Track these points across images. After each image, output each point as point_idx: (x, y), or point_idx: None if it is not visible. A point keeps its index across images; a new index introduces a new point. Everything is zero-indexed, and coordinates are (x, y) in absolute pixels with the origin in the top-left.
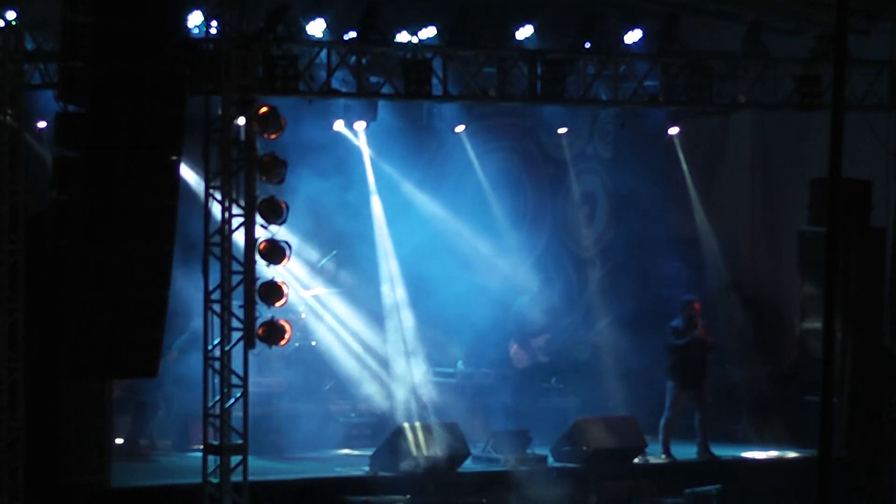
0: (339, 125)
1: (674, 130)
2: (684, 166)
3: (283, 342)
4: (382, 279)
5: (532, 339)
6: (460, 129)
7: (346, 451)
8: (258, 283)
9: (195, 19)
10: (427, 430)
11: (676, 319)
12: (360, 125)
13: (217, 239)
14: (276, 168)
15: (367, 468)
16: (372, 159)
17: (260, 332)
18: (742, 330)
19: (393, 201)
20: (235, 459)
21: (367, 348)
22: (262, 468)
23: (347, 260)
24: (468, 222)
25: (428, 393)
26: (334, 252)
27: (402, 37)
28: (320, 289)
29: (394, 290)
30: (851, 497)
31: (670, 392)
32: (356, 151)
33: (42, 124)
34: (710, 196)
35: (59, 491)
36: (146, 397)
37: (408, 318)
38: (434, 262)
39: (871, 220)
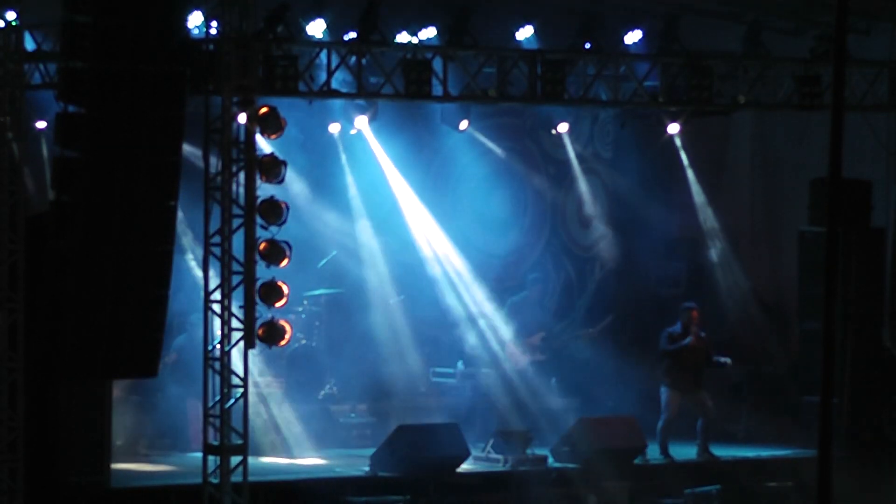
0: (334, 127)
1: (674, 128)
2: (685, 161)
3: (283, 342)
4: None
5: (526, 338)
6: (465, 125)
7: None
8: (258, 283)
9: (195, 19)
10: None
11: (675, 325)
12: (361, 120)
13: (217, 239)
14: (275, 168)
15: (367, 468)
16: (372, 157)
17: (260, 332)
18: (742, 330)
19: (391, 199)
20: (235, 459)
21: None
22: (262, 468)
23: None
24: (468, 222)
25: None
26: (334, 252)
27: (402, 37)
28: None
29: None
30: (851, 497)
31: (664, 396)
32: (357, 149)
33: (42, 124)
34: (710, 196)
35: (58, 491)
36: (146, 397)
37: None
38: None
39: (871, 220)
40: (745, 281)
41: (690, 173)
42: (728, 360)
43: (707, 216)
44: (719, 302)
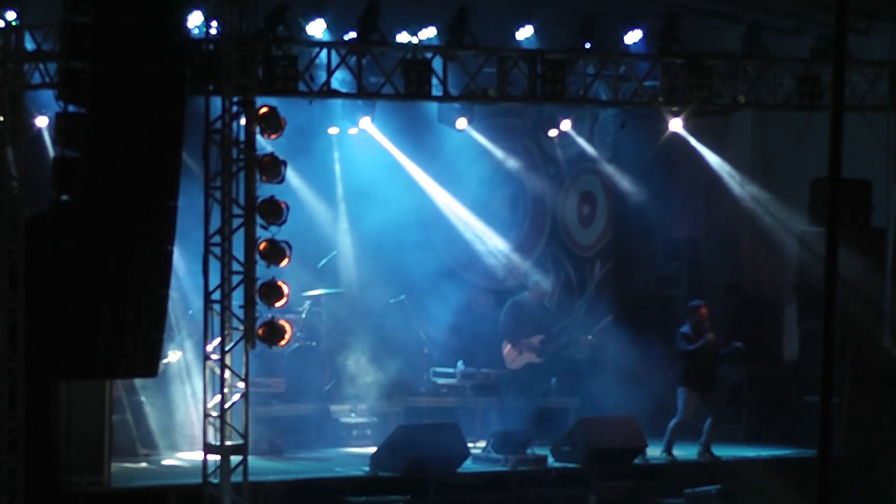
0: (332, 129)
1: (676, 124)
2: (697, 145)
3: (283, 342)
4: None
5: (525, 339)
6: (462, 124)
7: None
8: (258, 283)
9: (195, 19)
10: None
11: (685, 326)
12: (365, 121)
13: (217, 239)
14: (275, 168)
15: (367, 468)
16: (374, 158)
17: (260, 332)
18: (742, 330)
19: (392, 198)
20: (235, 459)
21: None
22: (262, 468)
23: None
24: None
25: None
26: (334, 252)
27: (402, 37)
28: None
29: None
30: (851, 497)
31: (682, 396)
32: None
33: (44, 121)
34: (710, 196)
35: (58, 491)
36: (146, 397)
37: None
38: (432, 261)
39: (871, 220)
40: (745, 280)
41: (690, 174)
42: (740, 344)
43: (707, 217)
44: (719, 301)
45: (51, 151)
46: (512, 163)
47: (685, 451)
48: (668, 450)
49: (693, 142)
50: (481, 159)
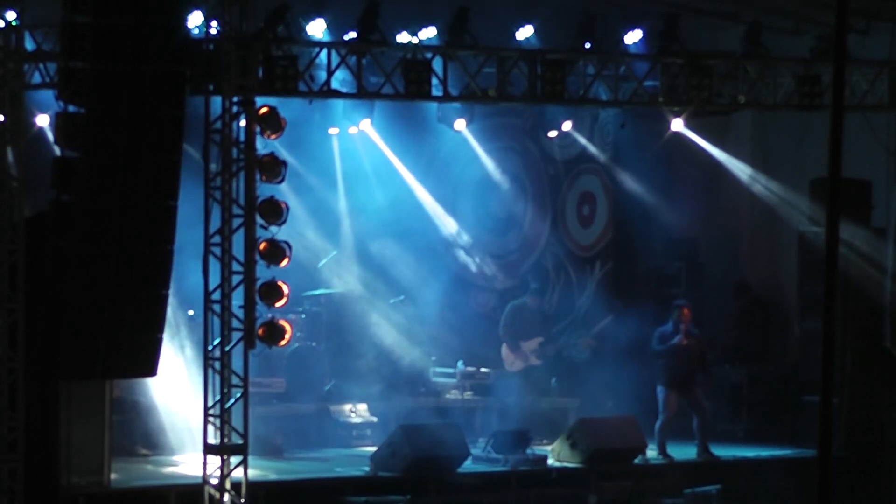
0: (332, 129)
1: (678, 123)
2: (703, 143)
3: (283, 342)
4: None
5: (523, 342)
6: (460, 125)
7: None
8: (258, 283)
9: (195, 19)
10: None
11: (667, 324)
12: (365, 123)
13: (217, 239)
14: (275, 168)
15: (367, 468)
16: (371, 156)
17: (260, 332)
18: (743, 330)
19: (392, 197)
20: (235, 459)
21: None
22: (262, 468)
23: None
24: (468, 222)
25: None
26: (334, 252)
27: (402, 37)
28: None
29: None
30: (851, 497)
31: (660, 395)
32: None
33: (43, 122)
34: (710, 196)
35: (58, 491)
36: (146, 397)
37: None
38: (432, 261)
39: (871, 220)
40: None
41: (689, 173)
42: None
43: (707, 217)
44: (720, 301)
45: (52, 151)
46: (510, 163)
47: (685, 451)
48: (661, 451)
49: (699, 140)
50: (481, 159)
